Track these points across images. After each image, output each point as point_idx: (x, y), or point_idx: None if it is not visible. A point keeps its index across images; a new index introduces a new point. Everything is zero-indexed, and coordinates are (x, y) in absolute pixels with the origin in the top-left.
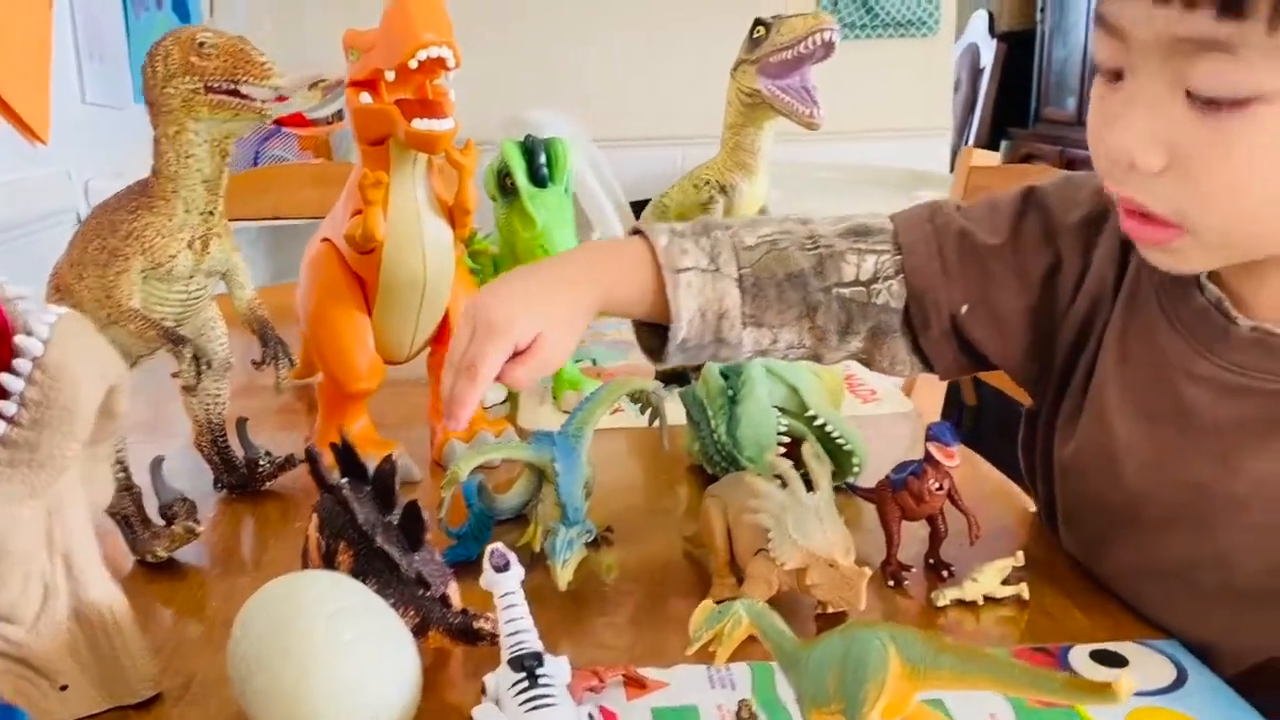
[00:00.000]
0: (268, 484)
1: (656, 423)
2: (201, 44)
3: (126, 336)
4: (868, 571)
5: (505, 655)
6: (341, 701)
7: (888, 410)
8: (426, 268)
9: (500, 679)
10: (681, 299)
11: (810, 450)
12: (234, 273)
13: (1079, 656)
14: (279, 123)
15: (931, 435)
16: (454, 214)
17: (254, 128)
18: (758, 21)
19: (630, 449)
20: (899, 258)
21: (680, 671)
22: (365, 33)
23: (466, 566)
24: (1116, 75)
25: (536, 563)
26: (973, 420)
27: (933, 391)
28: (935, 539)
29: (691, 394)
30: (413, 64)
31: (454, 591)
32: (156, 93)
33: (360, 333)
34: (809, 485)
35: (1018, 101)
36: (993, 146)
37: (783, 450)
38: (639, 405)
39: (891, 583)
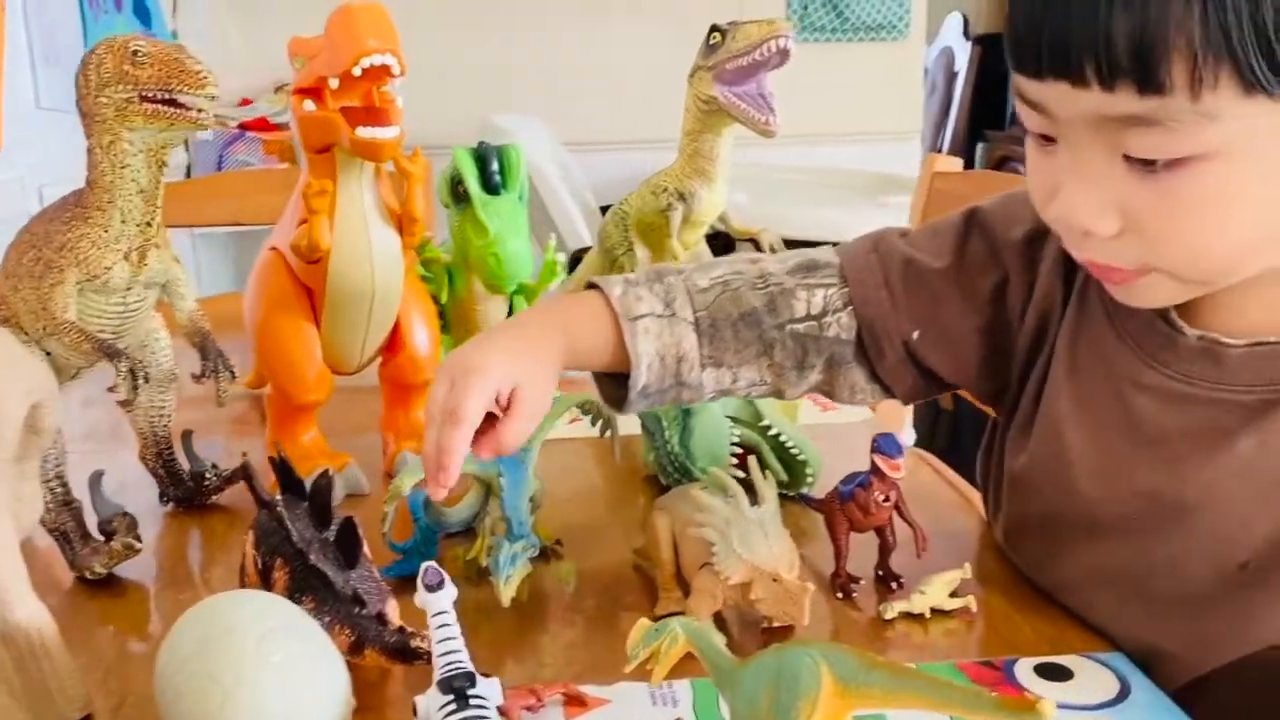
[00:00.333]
0: (215, 497)
1: (609, 433)
2: (135, 52)
3: (64, 349)
4: (810, 587)
5: (436, 676)
6: None
7: (847, 419)
8: (375, 277)
9: (430, 701)
10: (640, 345)
11: (755, 464)
12: (174, 284)
13: (1024, 670)
14: (243, 127)
15: (876, 447)
16: (403, 222)
17: (186, 137)
18: (714, 28)
19: (586, 460)
20: (846, 290)
21: (622, 689)
22: (310, 40)
23: (411, 582)
24: (1048, 139)
25: (485, 577)
26: (950, 426)
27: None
28: (884, 550)
29: None
30: (356, 71)
31: (392, 609)
32: (90, 102)
33: (308, 343)
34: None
35: (993, 104)
36: (969, 148)
37: (735, 461)
38: (590, 416)
39: (840, 595)
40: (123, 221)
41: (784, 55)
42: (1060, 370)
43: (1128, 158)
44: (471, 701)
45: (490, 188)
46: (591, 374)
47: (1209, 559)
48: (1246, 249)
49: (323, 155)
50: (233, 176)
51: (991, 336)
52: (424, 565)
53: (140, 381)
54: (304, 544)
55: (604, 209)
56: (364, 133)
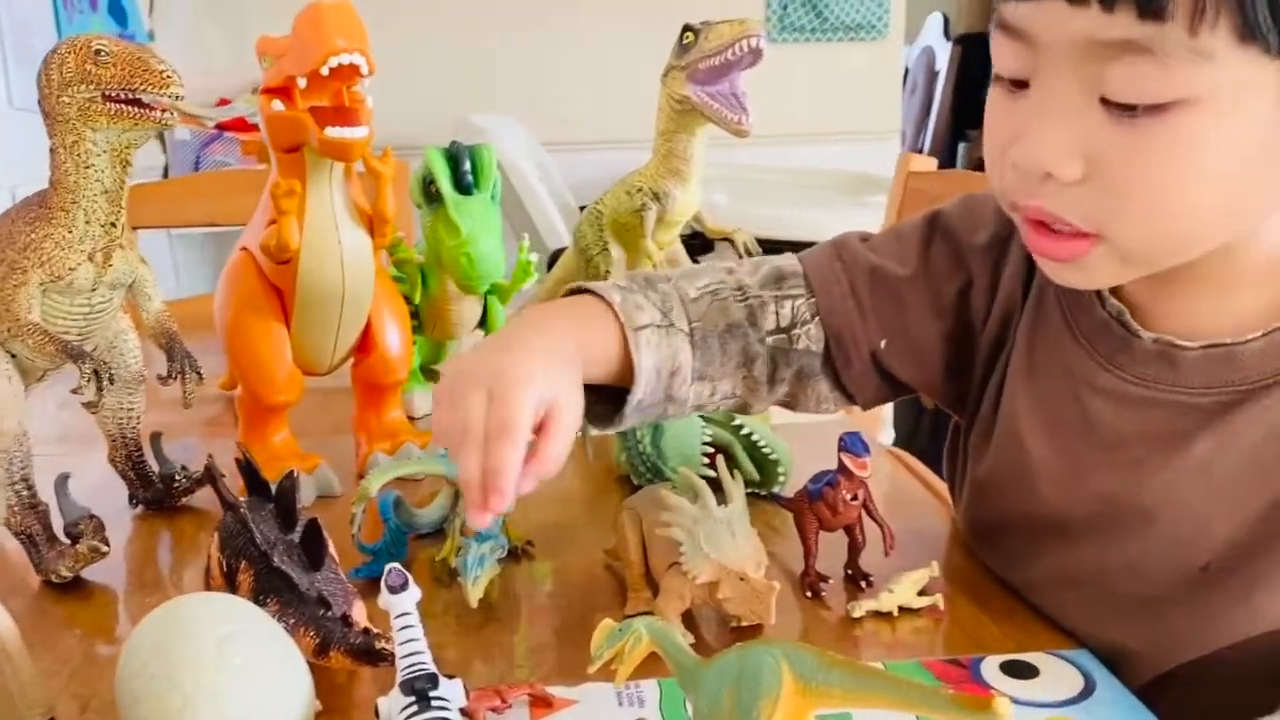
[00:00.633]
0: (185, 500)
1: (580, 434)
2: (98, 51)
3: (29, 351)
4: (776, 586)
5: (398, 677)
6: None
7: (820, 419)
8: (345, 277)
9: (392, 703)
10: (643, 358)
11: (723, 464)
12: (140, 285)
13: (990, 668)
14: (221, 127)
15: (844, 446)
16: (374, 223)
17: (151, 137)
18: (686, 28)
19: None
20: (813, 300)
21: (589, 689)
22: (278, 39)
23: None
24: (1018, 84)
25: (455, 578)
26: (931, 425)
27: None
28: (853, 549)
29: None
30: (324, 71)
31: (359, 611)
32: (52, 101)
33: (278, 344)
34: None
35: (975, 104)
36: (950, 148)
37: (707, 460)
38: None
39: (809, 594)
40: (87, 222)
41: (756, 54)
42: (1018, 372)
43: (1105, 101)
44: (433, 703)
45: (462, 187)
46: None
47: (1169, 561)
48: (1202, 216)
49: (292, 155)
50: (210, 177)
51: (955, 342)
52: (388, 566)
53: (105, 383)
54: (268, 546)
55: (583, 209)
56: (333, 133)
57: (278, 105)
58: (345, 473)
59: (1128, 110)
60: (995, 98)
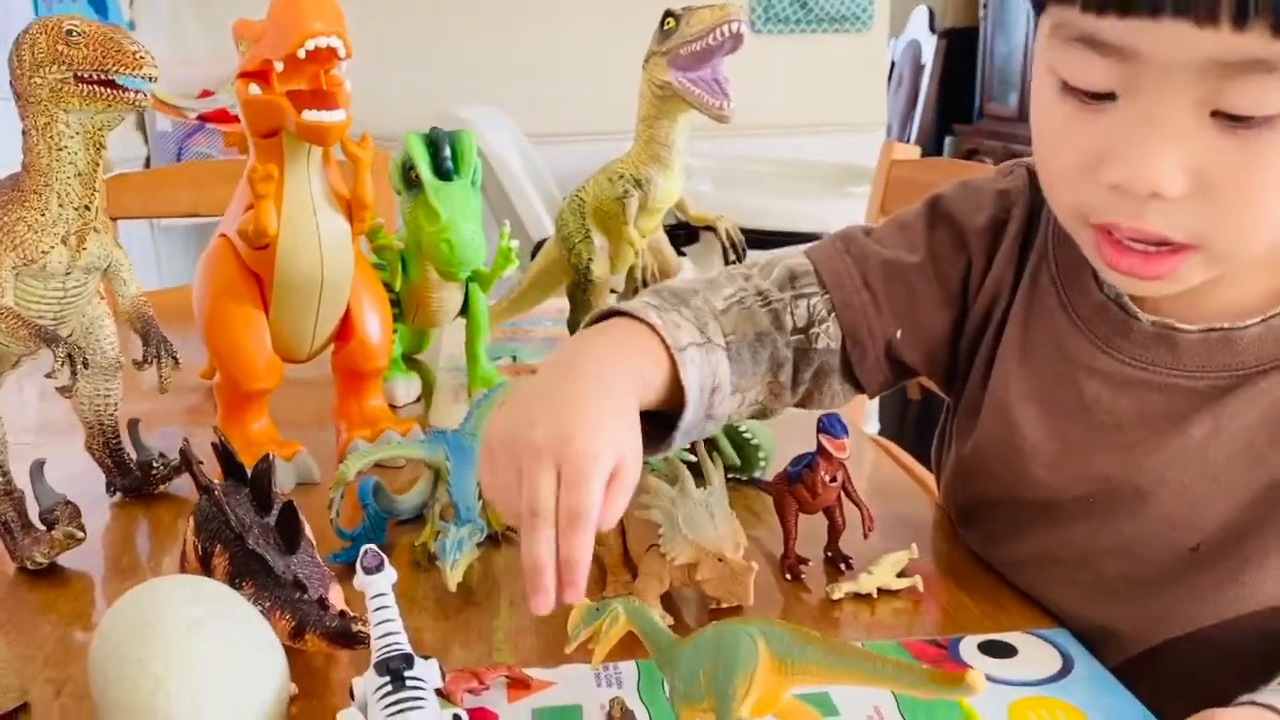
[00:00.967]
0: (163, 487)
1: None
2: (70, 32)
3: (2, 336)
4: (754, 566)
5: (373, 658)
6: (199, 713)
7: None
8: (323, 263)
9: (367, 683)
10: (689, 378)
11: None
12: (116, 269)
13: (968, 648)
14: (203, 119)
15: (822, 427)
16: (352, 208)
17: (123, 118)
18: (667, 13)
19: None
20: (828, 296)
21: (567, 671)
22: (255, 23)
23: None
24: (1097, 96)
25: (435, 563)
26: (918, 415)
27: None
28: (833, 532)
29: None
30: (301, 54)
31: (336, 594)
32: (24, 83)
33: (257, 330)
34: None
35: (962, 97)
36: (938, 142)
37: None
38: None
39: (789, 576)
40: (60, 205)
41: (737, 39)
42: (1011, 356)
43: (1216, 114)
44: (408, 683)
45: (442, 173)
46: None
47: (1161, 543)
48: None
49: (269, 140)
50: (193, 167)
51: (961, 325)
52: (363, 547)
53: (79, 367)
54: (243, 529)
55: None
56: (310, 116)
57: (255, 89)
58: (326, 461)
59: (1240, 122)
60: (1067, 111)
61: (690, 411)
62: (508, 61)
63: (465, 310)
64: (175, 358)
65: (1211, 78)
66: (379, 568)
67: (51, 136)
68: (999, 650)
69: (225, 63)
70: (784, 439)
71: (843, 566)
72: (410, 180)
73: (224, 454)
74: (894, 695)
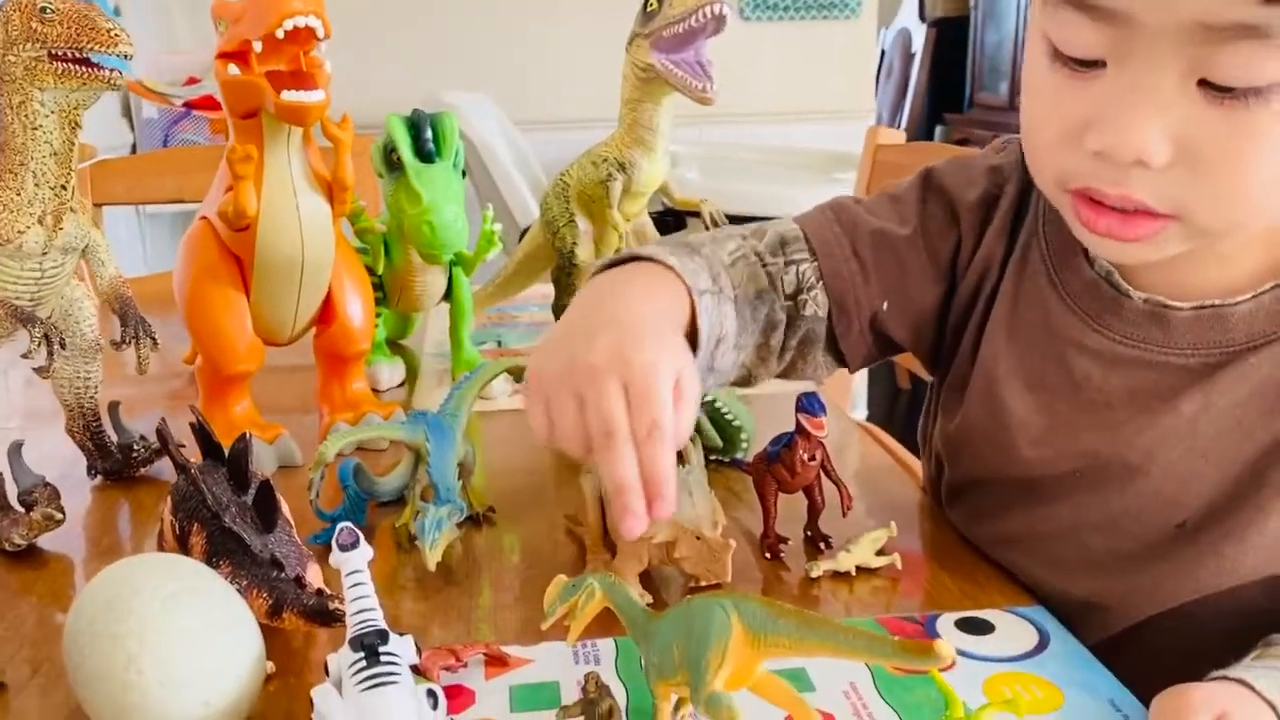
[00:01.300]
0: (144, 469)
1: None
2: (44, 9)
3: None
4: (732, 544)
5: (349, 635)
6: (173, 689)
7: (781, 388)
8: (304, 244)
9: (341, 659)
10: (702, 323)
11: None
12: (94, 250)
13: (945, 624)
14: (189, 106)
15: (800, 406)
16: (333, 190)
17: (98, 97)
18: None
19: (526, 430)
20: (817, 264)
21: (545, 648)
22: (234, 3)
23: None
24: (1086, 64)
25: (416, 543)
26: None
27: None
28: (813, 511)
29: None
30: (279, 34)
31: (313, 573)
32: None
33: (237, 313)
34: (682, 460)
35: (952, 87)
36: (928, 131)
37: None
38: (522, 385)
39: (768, 555)
40: (36, 185)
41: (719, 21)
42: (999, 333)
43: (1203, 83)
44: (382, 658)
45: (424, 155)
46: None
47: (1148, 518)
48: (1269, 198)
49: (249, 121)
50: (178, 153)
51: (948, 302)
52: (339, 525)
53: (57, 348)
54: (219, 508)
55: None
56: (289, 96)
57: (234, 70)
58: (309, 445)
59: (1226, 92)
60: (1057, 80)
61: (699, 356)
62: (494, 48)
63: (449, 294)
64: (154, 339)
65: (1199, 44)
66: (354, 545)
67: (26, 115)
68: (976, 627)
69: (211, 50)
70: (764, 420)
71: (822, 545)
72: (392, 163)
73: (202, 434)
74: (870, 670)
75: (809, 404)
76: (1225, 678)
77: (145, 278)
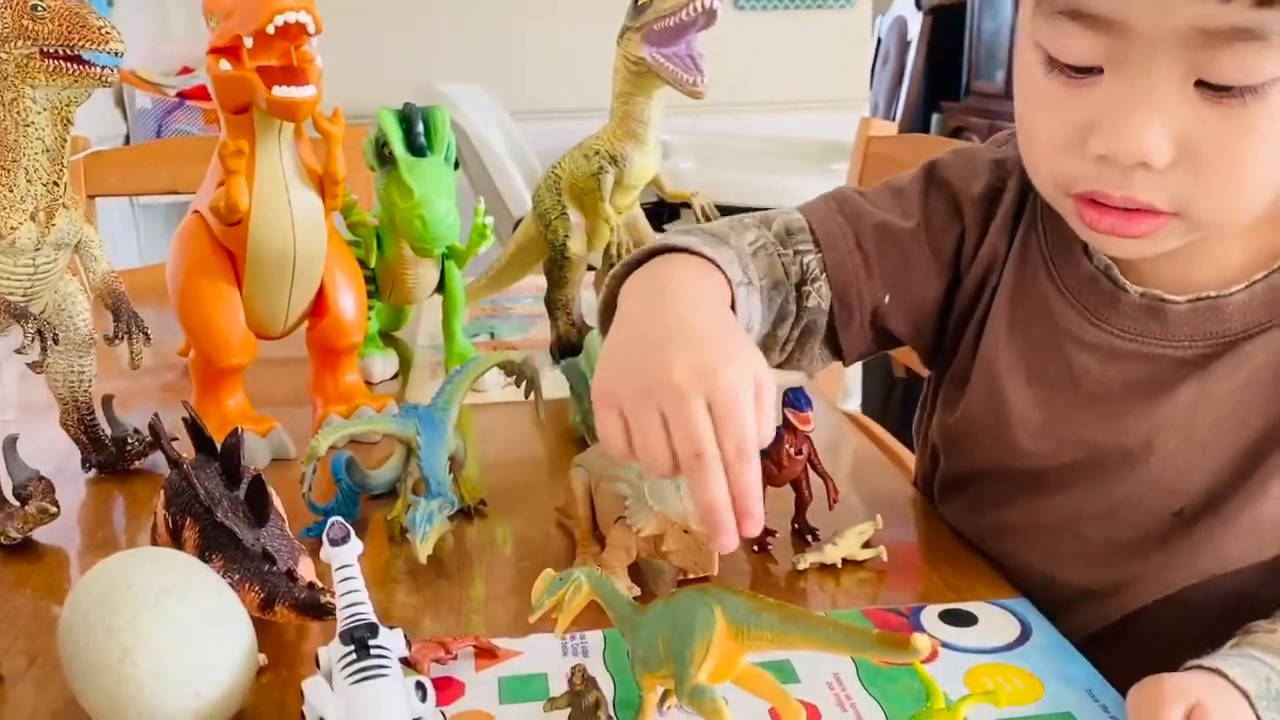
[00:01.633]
0: (138, 463)
1: (532, 395)
2: (35, 7)
3: None
4: None
5: (339, 628)
6: (167, 681)
7: (776, 379)
8: (296, 238)
9: (332, 652)
10: (740, 315)
11: None
12: (86, 245)
13: (929, 617)
14: (182, 96)
15: (787, 401)
16: (324, 184)
17: (90, 94)
18: None
19: (518, 424)
20: (820, 255)
21: (534, 640)
22: None
23: None
24: (1083, 71)
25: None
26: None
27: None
28: (800, 504)
29: (574, 366)
30: (270, 29)
31: (305, 567)
32: None
33: (230, 307)
34: None
35: (948, 74)
36: (924, 119)
37: None
38: (513, 379)
39: (755, 549)
40: (28, 181)
41: (710, 15)
42: (1000, 327)
43: (1200, 83)
44: (372, 652)
45: (415, 149)
46: None
47: (1147, 507)
48: (1266, 191)
49: (240, 116)
50: (172, 144)
51: (950, 296)
52: (330, 519)
53: (50, 343)
54: (211, 502)
55: None
56: (280, 92)
57: (225, 65)
58: (302, 438)
59: (1224, 91)
60: (1053, 88)
61: None
62: (490, 39)
63: (441, 287)
64: (146, 333)
65: (1195, 47)
66: (345, 539)
67: (18, 112)
68: (959, 619)
69: (205, 40)
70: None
71: (809, 538)
72: (384, 157)
73: (194, 428)
74: (854, 663)
75: (795, 399)
76: (1200, 667)
77: (140, 269)
